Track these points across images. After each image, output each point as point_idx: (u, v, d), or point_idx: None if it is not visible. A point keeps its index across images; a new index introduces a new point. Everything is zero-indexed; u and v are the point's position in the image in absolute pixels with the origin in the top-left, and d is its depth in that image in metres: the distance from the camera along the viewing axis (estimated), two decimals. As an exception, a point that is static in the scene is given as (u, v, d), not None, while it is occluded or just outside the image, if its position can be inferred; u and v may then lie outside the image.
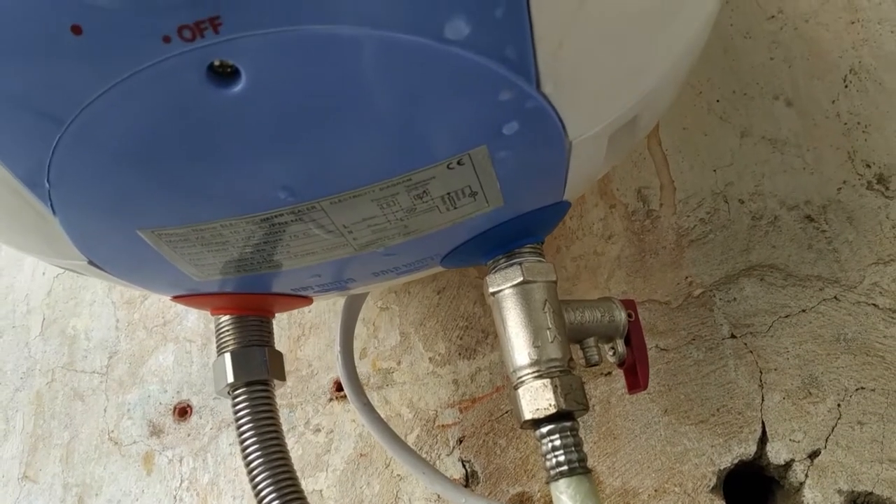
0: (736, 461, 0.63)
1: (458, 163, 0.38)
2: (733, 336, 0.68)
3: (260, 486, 0.52)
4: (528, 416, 0.48)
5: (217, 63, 0.29)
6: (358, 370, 0.74)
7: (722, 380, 0.66)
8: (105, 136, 0.32)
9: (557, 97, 0.37)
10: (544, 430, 0.48)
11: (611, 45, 0.37)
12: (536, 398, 0.47)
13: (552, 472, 0.47)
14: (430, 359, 0.73)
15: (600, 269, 0.73)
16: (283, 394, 0.76)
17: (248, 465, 0.52)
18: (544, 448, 0.48)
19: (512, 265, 0.51)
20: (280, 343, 0.78)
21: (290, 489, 0.52)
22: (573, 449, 0.48)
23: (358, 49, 0.30)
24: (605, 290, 0.72)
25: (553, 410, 0.47)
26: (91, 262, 0.44)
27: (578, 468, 0.47)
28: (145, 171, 0.35)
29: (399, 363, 0.74)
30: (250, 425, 0.53)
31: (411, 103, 0.33)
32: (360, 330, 0.76)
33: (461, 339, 0.73)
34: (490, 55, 0.32)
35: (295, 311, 0.79)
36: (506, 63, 0.33)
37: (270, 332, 0.57)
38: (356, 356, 0.75)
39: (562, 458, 0.47)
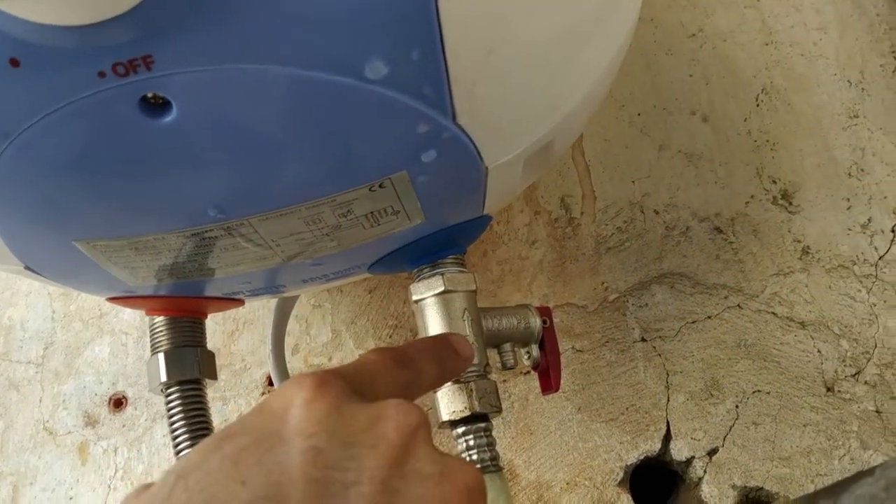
0: (642, 457, 0.67)
1: (380, 186, 0.40)
2: (644, 339, 0.71)
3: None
4: (445, 417, 0.50)
5: (150, 95, 0.31)
6: (290, 365, 0.75)
7: (632, 380, 0.70)
8: (43, 156, 0.33)
9: (473, 128, 0.39)
10: (460, 430, 0.50)
11: (522, 84, 0.39)
12: (453, 401, 0.50)
13: (465, 471, 0.50)
14: (360, 356, 0.74)
15: (524, 272, 0.76)
16: (217, 387, 0.77)
17: (179, 459, 0.54)
18: (460, 447, 0.50)
19: (435, 275, 0.53)
20: (214, 338, 0.79)
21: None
22: (486, 448, 0.50)
23: (283, 87, 0.31)
24: (527, 292, 0.74)
25: (468, 413, 0.49)
26: (27, 268, 0.45)
27: (491, 466, 0.50)
28: (81, 188, 0.36)
29: (330, 359, 0.75)
30: (182, 422, 0.54)
31: (334, 134, 0.35)
32: (293, 326, 0.78)
33: (390, 337, 0.75)
34: (408, 92, 0.34)
35: (230, 307, 0.80)
36: (423, 99, 0.35)
37: (203, 333, 0.58)
38: (289, 352, 0.77)
39: (476, 457, 0.50)
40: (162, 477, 0.27)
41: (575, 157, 0.80)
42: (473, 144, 0.40)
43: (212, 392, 0.76)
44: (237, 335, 0.79)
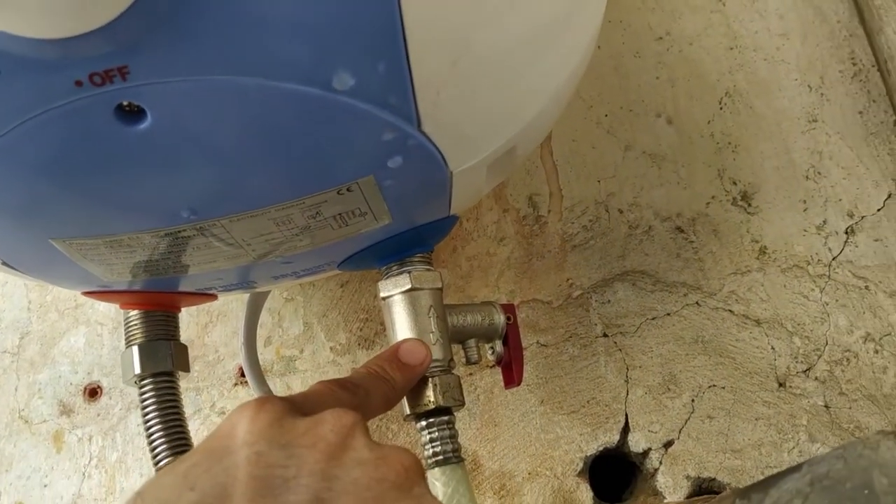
0: (601, 448, 0.69)
1: (348, 189, 0.41)
2: (605, 335, 0.73)
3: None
4: (409, 410, 0.52)
5: (125, 103, 0.32)
6: (262, 357, 0.77)
7: (593, 374, 0.72)
8: (21, 159, 0.34)
9: (438, 136, 0.40)
10: (424, 422, 0.52)
11: (486, 92, 0.41)
12: (418, 395, 0.51)
13: (429, 461, 0.51)
14: (331, 348, 0.76)
15: (492, 269, 0.77)
16: (191, 377, 0.78)
17: (152, 450, 0.55)
18: (423, 439, 0.52)
19: (402, 273, 0.54)
20: (188, 329, 0.80)
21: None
22: (448, 440, 0.52)
23: (252, 97, 0.33)
24: (494, 288, 0.76)
25: (432, 406, 0.51)
26: (4, 263, 0.46)
27: (452, 458, 0.51)
28: (58, 190, 0.37)
29: (302, 351, 0.77)
30: (155, 413, 0.55)
31: (302, 142, 0.36)
32: (265, 319, 0.79)
33: (361, 330, 0.76)
34: (374, 102, 0.35)
35: (204, 298, 0.81)
36: (389, 108, 0.36)
37: (176, 327, 0.59)
38: (261, 344, 0.78)
39: (438, 449, 0.51)
40: (127, 495, 0.31)
41: (543, 157, 0.81)
42: (438, 151, 0.41)
43: (185, 383, 0.77)
44: (210, 327, 0.80)
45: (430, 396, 0.51)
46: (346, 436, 0.32)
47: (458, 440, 0.53)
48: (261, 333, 0.78)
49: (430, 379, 0.51)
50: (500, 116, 0.44)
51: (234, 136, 0.35)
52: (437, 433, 0.52)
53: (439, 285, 0.55)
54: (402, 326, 0.53)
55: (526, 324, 0.74)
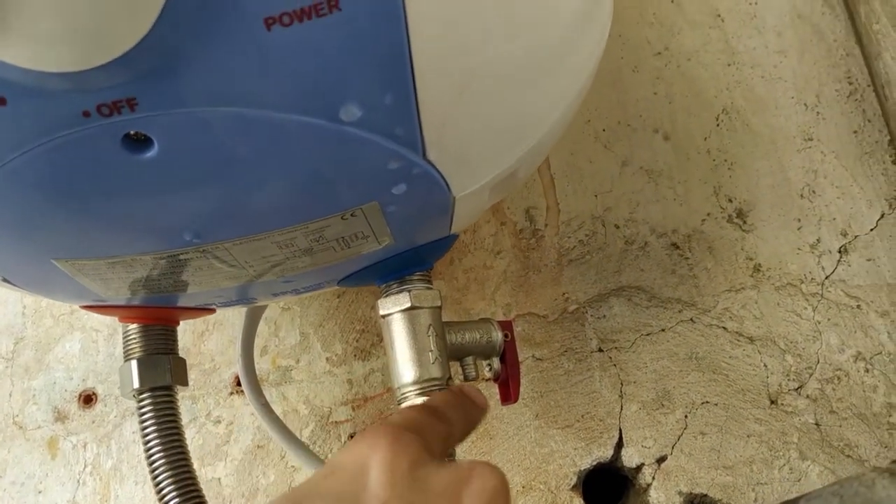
0: (595, 463, 0.69)
1: (352, 215, 0.41)
2: (600, 350, 0.73)
3: (162, 484, 0.54)
4: (407, 429, 0.52)
5: (132, 132, 0.32)
6: (258, 366, 0.76)
7: (588, 389, 0.71)
8: (27, 184, 0.34)
9: (442, 163, 0.40)
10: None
11: (491, 119, 0.40)
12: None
13: (426, 481, 0.51)
14: (327, 359, 0.76)
15: (488, 281, 0.77)
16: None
17: (150, 465, 0.55)
18: (421, 457, 0.52)
19: (402, 291, 0.54)
20: (185, 337, 0.80)
21: (191, 488, 0.55)
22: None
23: (259, 128, 0.32)
24: (491, 301, 0.76)
25: (430, 426, 0.51)
26: (4, 279, 0.46)
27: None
28: (63, 215, 0.37)
29: (298, 361, 0.76)
30: (154, 428, 0.55)
31: (307, 171, 0.36)
32: (262, 328, 0.79)
33: (357, 341, 0.76)
34: (380, 133, 0.35)
35: (202, 305, 0.81)
36: (395, 139, 0.36)
37: (175, 340, 0.59)
38: (257, 353, 0.77)
39: (435, 468, 0.51)
40: None
41: (541, 170, 0.81)
42: (442, 177, 0.41)
43: (181, 391, 0.77)
44: (207, 335, 0.80)
45: (429, 416, 0.51)
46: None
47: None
48: (257, 343, 0.78)
49: (429, 397, 0.51)
50: (504, 142, 0.44)
51: (239, 166, 0.35)
52: (434, 452, 0.51)
53: (438, 304, 0.55)
54: (401, 345, 0.53)
55: (522, 338, 0.74)
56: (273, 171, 0.35)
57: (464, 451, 0.70)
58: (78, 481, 0.72)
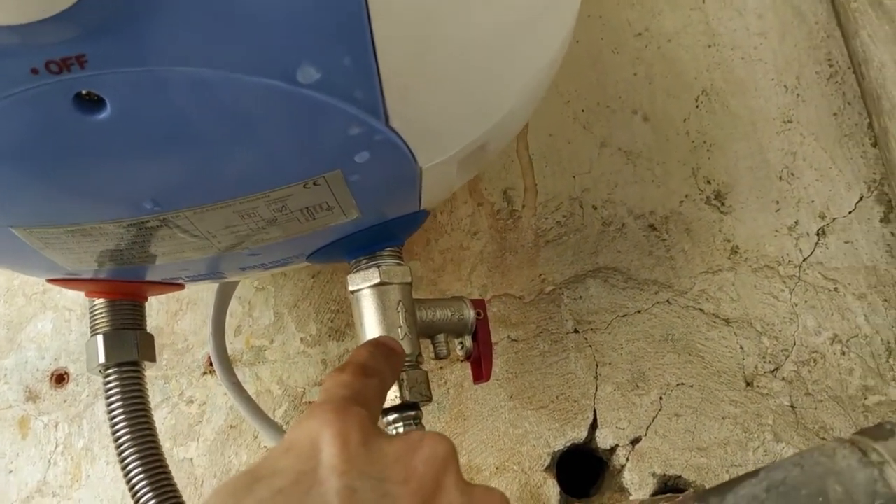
0: (569, 444, 0.69)
1: (314, 183, 0.41)
2: (576, 331, 0.73)
3: (127, 461, 0.54)
4: (375, 405, 0.52)
5: (84, 92, 0.31)
6: (231, 346, 0.76)
7: (563, 370, 0.71)
8: (-22, 147, 0.34)
9: (406, 131, 0.39)
10: (390, 417, 0.52)
11: (456, 87, 0.40)
12: (384, 391, 0.51)
13: (394, 457, 0.51)
14: (301, 339, 0.75)
15: (464, 262, 0.77)
16: (159, 366, 0.77)
17: (116, 440, 0.54)
18: (390, 433, 0.52)
19: (371, 267, 0.54)
20: (157, 317, 0.79)
21: (157, 464, 0.54)
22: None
23: (214, 89, 0.32)
24: (467, 282, 0.76)
25: (398, 402, 0.51)
26: (-35, 250, 0.45)
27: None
28: (17, 178, 0.36)
29: (272, 342, 0.76)
30: (120, 404, 0.55)
31: (266, 135, 0.36)
32: (235, 308, 0.78)
33: (332, 321, 0.76)
34: (340, 96, 0.35)
35: (174, 285, 0.81)
36: (355, 103, 0.36)
37: (143, 316, 0.59)
38: (231, 333, 0.77)
39: (403, 444, 0.51)
40: None
41: (519, 151, 0.81)
42: (407, 146, 0.41)
43: (153, 371, 0.77)
44: (180, 315, 0.79)
45: (397, 392, 0.51)
46: (438, 470, 0.30)
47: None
48: (230, 323, 0.78)
49: (397, 374, 0.51)
50: (470, 113, 0.43)
51: (195, 129, 0.34)
52: (403, 428, 0.51)
53: (409, 280, 0.55)
54: (370, 321, 0.53)
55: (497, 318, 0.74)
56: (230, 135, 0.35)
57: (437, 431, 0.70)
58: (49, 461, 0.72)
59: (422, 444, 0.31)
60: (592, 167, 0.80)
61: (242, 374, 0.75)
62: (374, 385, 0.38)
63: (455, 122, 0.43)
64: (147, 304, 0.80)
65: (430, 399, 0.53)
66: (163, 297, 0.80)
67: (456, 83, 0.40)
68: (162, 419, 0.75)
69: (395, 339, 0.51)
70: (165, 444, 0.72)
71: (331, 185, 0.41)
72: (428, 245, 0.78)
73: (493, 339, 0.72)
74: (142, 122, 0.33)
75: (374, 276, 0.53)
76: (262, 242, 0.47)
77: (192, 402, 0.75)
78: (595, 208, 0.78)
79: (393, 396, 0.51)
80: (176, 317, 0.79)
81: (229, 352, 0.76)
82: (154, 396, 0.76)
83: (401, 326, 0.53)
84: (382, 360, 0.43)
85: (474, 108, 0.44)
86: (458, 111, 0.42)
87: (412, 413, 0.52)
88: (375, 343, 0.47)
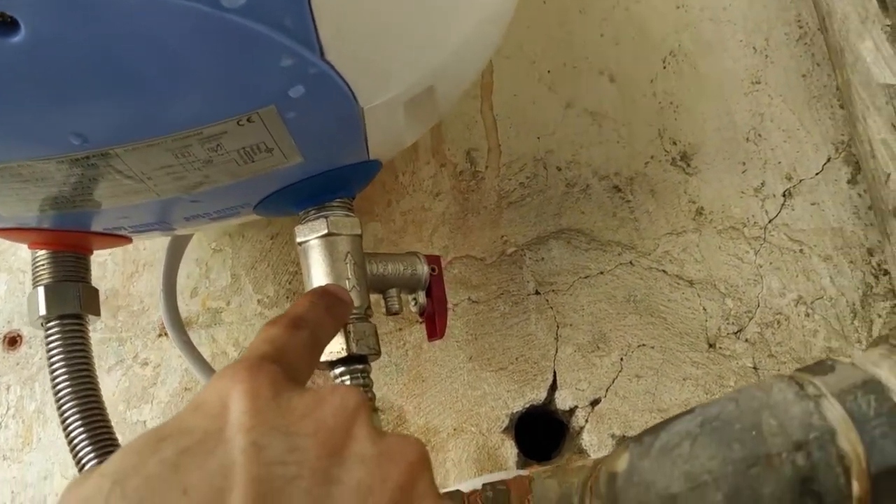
0: (527, 405, 0.69)
1: (248, 120, 0.40)
2: (538, 293, 0.73)
3: (67, 416, 0.53)
4: (322, 357, 0.51)
5: (-4, 12, 0.30)
6: (188, 308, 0.75)
7: (523, 332, 0.71)
8: None
9: (343, 66, 0.39)
10: (337, 370, 0.51)
11: (395, 21, 0.39)
12: (332, 342, 0.50)
13: (340, 410, 0.51)
14: (258, 301, 0.75)
15: (426, 224, 0.76)
16: (114, 327, 0.76)
17: (56, 395, 0.53)
18: (336, 387, 0.51)
19: (319, 218, 0.53)
20: (113, 278, 0.78)
21: (98, 419, 0.54)
22: (362, 389, 0.51)
23: (135, 12, 0.31)
24: (428, 244, 0.75)
25: (344, 354, 0.50)
26: None
27: (365, 406, 0.51)
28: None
29: (228, 303, 0.75)
30: (61, 357, 0.54)
31: (192, 64, 0.35)
32: (192, 269, 0.77)
33: (290, 283, 0.75)
34: (268, 23, 0.34)
35: (130, 248, 0.80)
36: (285, 32, 0.35)
37: (87, 269, 0.58)
38: (187, 295, 0.76)
39: (349, 398, 0.50)
40: (94, 477, 0.26)
41: (483, 111, 0.80)
42: (345, 82, 0.40)
43: (108, 333, 0.76)
44: (136, 277, 0.79)
45: (344, 344, 0.51)
46: (348, 421, 0.29)
47: (373, 390, 0.52)
48: (187, 284, 0.77)
49: (344, 326, 0.51)
50: (412, 48, 0.43)
51: (115, 55, 0.33)
52: (350, 381, 0.51)
53: (358, 232, 0.54)
54: (317, 272, 0.53)
55: (458, 280, 0.73)
56: (153, 64, 0.34)
57: (395, 393, 0.70)
58: (0, 424, 0.71)
59: (332, 395, 0.30)
60: (557, 128, 0.80)
61: (198, 336, 0.74)
62: (302, 337, 0.37)
63: (397, 59, 0.42)
64: (103, 266, 0.80)
65: (378, 353, 0.52)
66: (119, 258, 0.79)
67: (393, 17, 0.39)
68: (116, 381, 0.74)
69: (343, 288, 0.50)
70: (118, 406, 0.72)
71: (266, 123, 0.41)
72: (389, 206, 0.77)
73: (454, 301, 0.72)
74: (57, 47, 0.32)
75: (321, 227, 0.53)
76: (202, 187, 0.46)
77: (146, 364, 0.74)
78: (559, 169, 0.78)
79: (339, 348, 0.50)
80: (132, 278, 0.79)
81: (185, 314, 0.75)
82: (108, 359, 0.76)
83: (349, 278, 0.52)
84: (322, 311, 0.43)
85: (416, 43, 0.43)
86: (396, 47, 0.42)
87: (359, 366, 0.51)
88: (320, 292, 0.47)
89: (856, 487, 0.31)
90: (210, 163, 0.43)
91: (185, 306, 0.76)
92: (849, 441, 0.31)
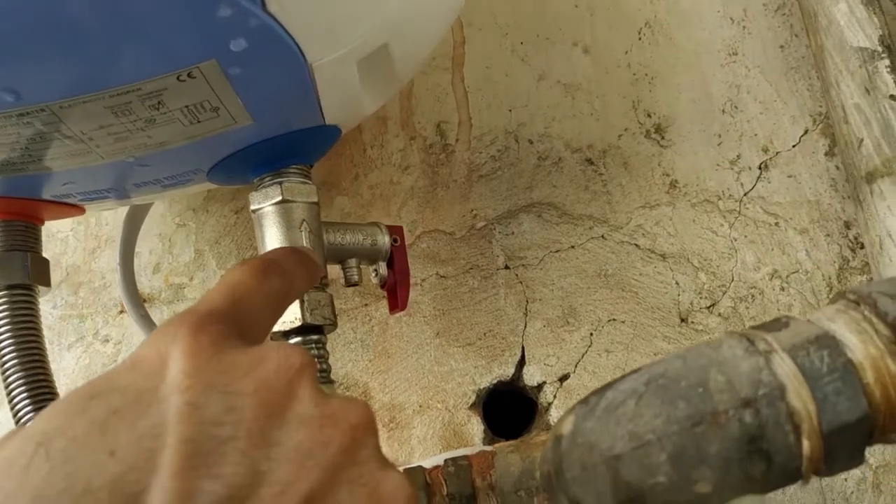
0: (495, 381, 0.68)
1: (189, 76, 0.39)
2: (507, 267, 0.72)
3: (13, 391, 0.52)
4: (276, 327, 0.50)
5: None
6: (150, 284, 0.74)
7: (492, 307, 0.70)
8: None
9: (287, 18, 0.38)
10: (291, 342, 0.50)
11: (339, -27, 0.38)
12: (285, 311, 0.49)
13: (294, 381, 0.50)
14: (222, 276, 0.74)
15: (394, 198, 0.75)
16: (74, 304, 0.75)
17: (2, 369, 0.52)
18: (289, 359, 0.50)
19: (274, 184, 0.52)
20: (74, 254, 0.77)
21: (46, 394, 0.53)
22: (317, 360, 0.50)
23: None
24: (396, 218, 0.74)
25: (298, 324, 0.49)
26: None
27: (320, 378, 0.50)
28: None
29: (191, 279, 0.74)
30: (8, 328, 0.53)
31: (124, 12, 0.34)
32: (155, 245, 0.76)
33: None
34: (203, -30, 0.33)
35: (92, 223, 0.78)
36: (222, -20, 0.34)
37: (37, 239, 0.57)
38: (150, 271, 0.75)
39: (304, 369, 0.49)
40: (17, 438, 0.25)
41: (454, 83, 0.79)
42: (289, 36, 0.39)
43: (69, 310, 0.75)
44: (98, 252, 0.77)
45: (298, 313, 0.50)
46: (291, 381, 0.28)
47: (329, 362, 0.51)
48: (150, 260, 0.76)
49: (299, 294, 0.50)
50: (358, 3, 0.42)
51: (45, 6, 0.32)
52: (304, 352, 0.50)
53: (315, 199, 0.53)
54: (272, 240, 0.52)
55: (426, 255, 0.72)
56: (84, 13, 0.33)
57: (360, 369, 0.69)
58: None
59: (276, 353, 0.29)
60: (530, 100, 0.79)
61: (161, 312, 0.73)
62: (271, 285, 0.36)
63: (343, 12, 0.41)
64: (65, 242, 0.78)
65: (334, 324, 0.51)
66: (81, 234, 0.78)
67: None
68: (76, 359, 0.73)
69: (314, 251, 0.49)
70: (78, 384, 0.71)
71: (209, 80, 0.40)
72: (356, 180, 0.76)
73: (422, 277, 0.71)
74: (-22, -7, 0.31)
75: (275, 194, 0.52)
76: (147, 149, 0.45)
77: (107, 341, 0.73)
78: (531, 142, 0.77)
79: (294, 318, 0.49)
80: (94, 254, 0.77)
81: (147, 290, 0.74)
82: (68, 336, 0.75)
83: (304, 247, 0.51)
84: (297, 262, 0.41)
85: (363, -1, 0.42)
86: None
87: (314, 337, 0.51)
88: (294, 248, 0.45)
89: (806, 446, 0.30)
90: (153, 122, 0.42)
91: (148, 282, 0.75)
92: (799, 398, 0.30)
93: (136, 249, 0.76)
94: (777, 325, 0.33)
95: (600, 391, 0.33)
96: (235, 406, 0.26)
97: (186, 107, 0.42)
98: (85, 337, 0.74)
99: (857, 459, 0.32)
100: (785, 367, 0.31)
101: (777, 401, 0.30)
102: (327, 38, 0.42)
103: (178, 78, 0.39)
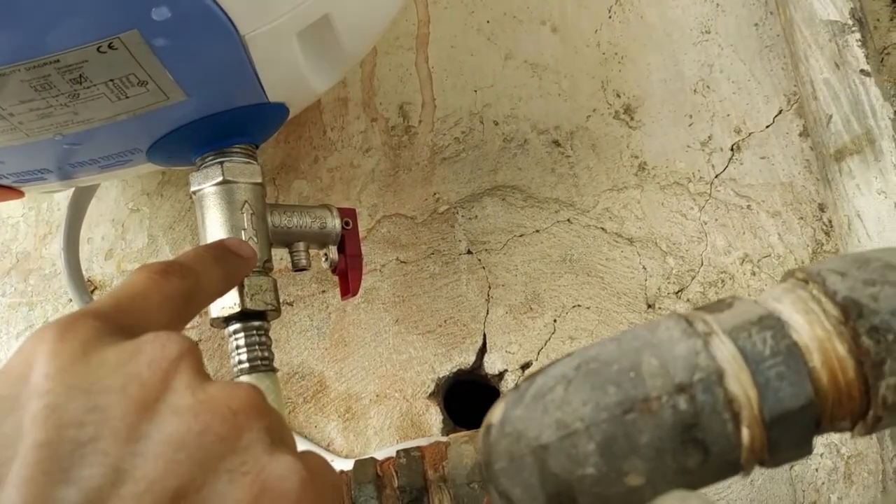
0: (455, 370, 0.67)
1: (110, 47, 0.38)
2: (469, 252, 0.71)
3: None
4: (214, 313, 0.49)
5: None
6: (102, 270, 0.73)
7: (453, 293, 0.69)
8: None
9: (213, -13, 0.36)
10: (231, 328, 0.49)
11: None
12: (224, 296, 0.48)
13: (235, 370, 0.49)
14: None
15: (354, 181, 0.74)
16: (24, 292, 0.74)
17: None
18: (230, 346, 0.49)
19: (215, 164, 0.51)
20: (25, 241, 0.76)
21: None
22: (257, 347, 0.49)
23: None
24: (356, 202, 0.73)
25: (237, 309, 0.48)
26: None
27: (261, 366, 0.49)
28: None
29: (144, 266, 0.73)
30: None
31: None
32: (107, 230, 0.75)
33: (208, 244, 0.73)
34: (114, -68, 0.32)
35: (44, 209, 0.77)
36: (136, -57, 0.32)
37: (-30, 222, 0.55)
38: (102, 257, 0.74)
39: (244, 357, 0.48)
40: None
41: (418, 63, 0.78)
42: (217, 5, 0.38)
43: (18, 297, 0.74)
44: (49, 238, 0.76)
45: (237, 299, 0.48)
46: (167, 372, 0.26)
47: (272, 349, 0.50)
48: (102, 246, 0.75)
49: (238, 279, 0.49)
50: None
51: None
52: (244, 339, 0.49)
53: (258, 180, 0.52)
54: (212, 222, 0.50)
55: (386, 240, 0.71)
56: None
57: (316, 358, 0.68)
58: None
59: (151, 344, 0.27)
60: (496, 81, 0.77)
61: (111, 301, 0.72)
62: (171, 286, 0.34)
63: (274, -18, 0.40)
64: (16, 227, 0.77)
65: (277, 310, 0.50)
66: (32, 220, 0.77)
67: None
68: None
69: (244, 241, 0.48)
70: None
71: (132, 51, 0.38)
72: (316, 163, 0.75)
73: (381, 262, 0.70)
74: None
75: (216, 174, 0.50)
76: (76, 126, 0.44)
77: (55, 331, 0.72)
78: (496, 124, 0.76)
79: (232, 303, 0.48)
80: (44, 241, 0.76)
81: (99, 276, 0.73)
82: (17, 324, 0.74)
83: (245, 229, 0.50)
84: (207, 262, 0.40)
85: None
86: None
87: (256, 323, 0.49)
88: (215, 244, 0.44)
89: (745, 435, 0.29)
90: (76, 97, 0.41)
91: (100, 269, 0.74)
92: (739, 383, 0.29)
93: (89, 235, 0.75)
94: (721, 305, 0.32)
95: (531, 377, 0.32)
96: (99, 405, 0.25)
97: (112, 80, 0.40)
98: (34, 325, 0.73)
99: (804, 448, 0.31)
100: (724, 351, 0.29)
101: (714, 386, 0.29)
102: (258, 6, 0.41)
103: (98, 49, 0.38)
